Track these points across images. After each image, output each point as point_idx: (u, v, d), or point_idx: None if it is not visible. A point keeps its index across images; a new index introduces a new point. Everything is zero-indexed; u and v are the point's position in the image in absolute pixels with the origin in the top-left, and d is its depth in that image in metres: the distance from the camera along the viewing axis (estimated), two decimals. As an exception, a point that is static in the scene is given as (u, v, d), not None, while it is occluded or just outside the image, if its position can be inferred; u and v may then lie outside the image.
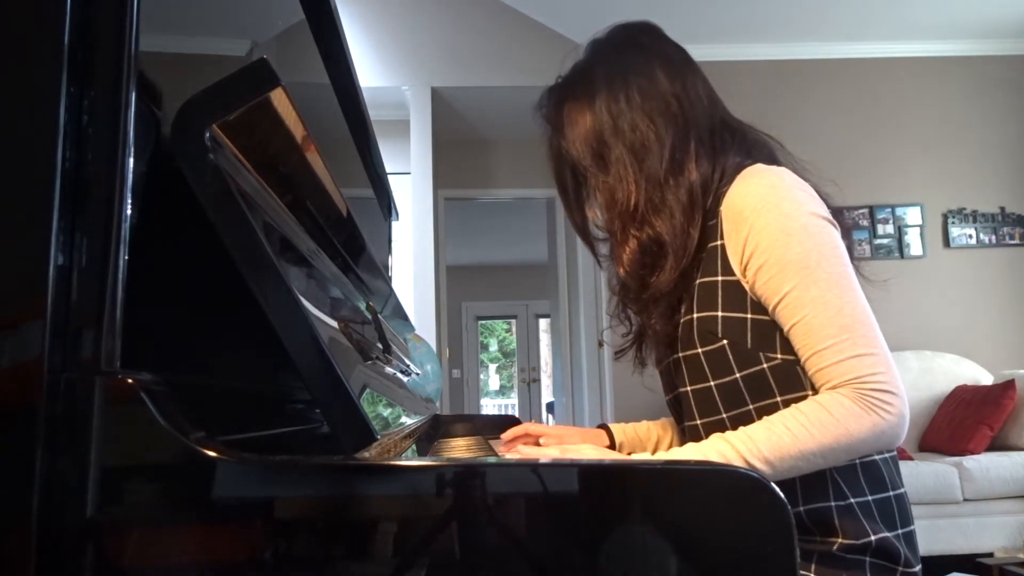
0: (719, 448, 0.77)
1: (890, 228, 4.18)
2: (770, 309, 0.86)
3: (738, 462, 0.75)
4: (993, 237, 4.18)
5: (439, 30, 4.19)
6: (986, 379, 3.66)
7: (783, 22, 4.09)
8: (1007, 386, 3.30)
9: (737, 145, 0.96)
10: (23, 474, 0.45)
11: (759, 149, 0.97)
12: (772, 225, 0.84)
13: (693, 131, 0.94)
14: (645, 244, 0.91)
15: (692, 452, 0.79)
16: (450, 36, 4.20)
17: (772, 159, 0.95)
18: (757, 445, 0.76)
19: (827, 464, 0.80)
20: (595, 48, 1.00)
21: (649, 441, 1.18)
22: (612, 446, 1.17)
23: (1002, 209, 4.20)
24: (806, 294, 0.82)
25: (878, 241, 4.15)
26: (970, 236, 4.18)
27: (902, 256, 4.14)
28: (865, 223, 4.15)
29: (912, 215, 4.19)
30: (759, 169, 0.89)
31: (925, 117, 4.26)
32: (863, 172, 4.11)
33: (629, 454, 1.18)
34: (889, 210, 4.18)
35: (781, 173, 0.89)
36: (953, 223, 4.18)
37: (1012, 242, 4.18)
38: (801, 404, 0.80)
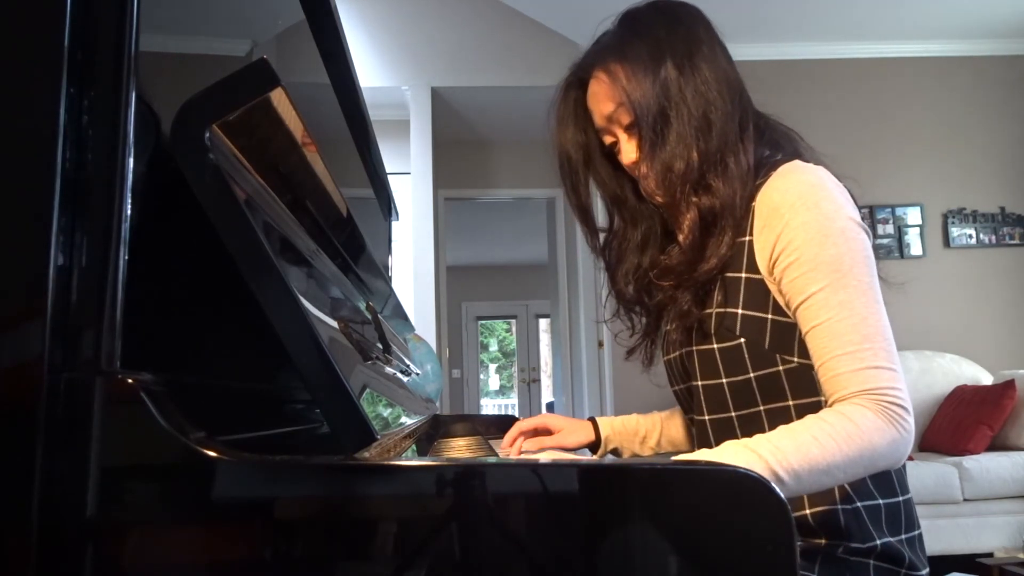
0: (747, 459, 0.71)
1: (890, 228, 4.18)
2: (792, 308, 0.83)
3: (766, 474, 0.69)
4: (993, 237, 4.18)
5: (439, 30, 4.18)
6: (986, 379, 3.66)
7: (782, 22, 4.09)
8: (1007, 386, 3.30)
9: (767, 136, 0.95)
10: (23, 474, 0.45)
11: (785, 142, 0.95)
12: (810, 223, 0.82)
13: (749, 110, 0.93)
14: (705, 213, 0.88)
15: (712, 459, 0.72)
16: (450, 36, 4.20)
17: (796, 153, 0.93)
18: (787, 456, 0.71)
19: (846, 479, 0.76)
20: (645, 15, 0.94)
21: (636, 435, 1.17)
22: (597, 439, 1.16)
23: (1002, 209, 4.20)
24: (834, 297, 0.79)
25: (878, 241, 4.14)
26: (970, 236, 4.18)
27: (902, 256, 4.14)
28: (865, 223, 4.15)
29: (912, 215, 4.19)
30: (798, 166, 0.88)
31: (925, 117, 4.26)
32: (863, 172, 4.08)
33: (615, 449, 1.18)
34: (889, 210, 4.18)
35: (820, 172, 0.87)
36: (953, 223, 4.18)
37: (1012, 242, 4.18)
38: (823, 414, 0.77)
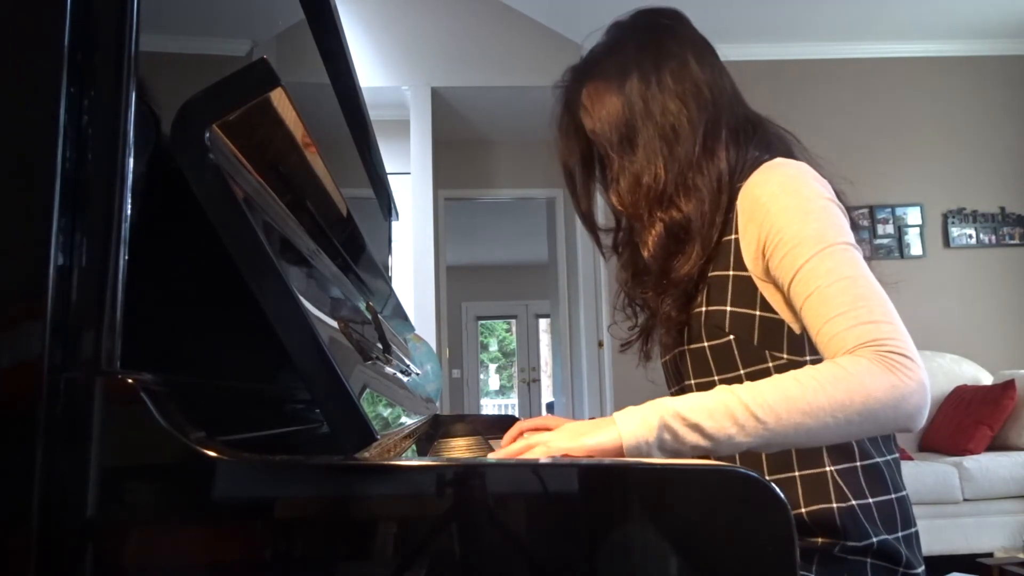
0: (724, 400, 0.71)
1: (890, 228, 4.18)
2: (785, 288, 0.84)
3: (741, 412, 0.70)
4: (993, 237, 4.18)
5: (439, 30, 4.18)
6: (986, 379, 3.65)
7: (782, 22, 4.09)
8: (1007, 386, 3.30)
9: (758, 139, 0.96)
10: (23, 474, 0.45)
11: (778, 144, 0.96)
12: (791, 206, 0.83)
13: (724, 118, 0.93)
14: (672, 227, 0.90)
15: (695, 401, 0.72)
16: (450, 36, 4.19)
17: (789, 154, 0.94)
18: (762, 393, 0.71)
19: (838, 426, 0.71)
20: (622, 30, 0.98)
21: None
22: None
23: (1002, 209, 4.20)
24: (822, 265, 0.80)
25: (878, 241, 4.15)
26: (970, 236, 4.18)
27: (902, 256, 4.14)
28: (865, 223, 4.15)
29: (912, 215, 4.19)
30: (779, 161, 0.89)
31: (925, 117, 4.26)
32: (863, 172, 4.10)
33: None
34: (889, 210, 4.18)
35: (800, 165, 0.89)
36: (953, 223, 4.17)
37: (1012, 242, 4.18)
38: (817, 365, 0.75)
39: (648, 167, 0.90)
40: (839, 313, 0.77)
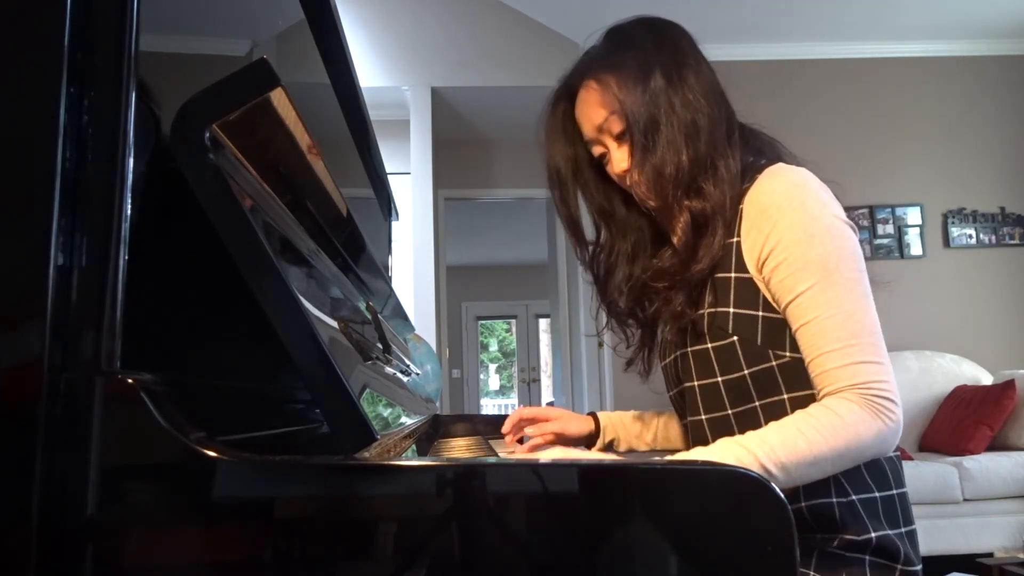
0: (736, 453, 0.75)
1: (890, 228, 4.18)
2: (782, 307, 0.86)
3: (756, 468, 0.73)
4: (993, 237, 4.18)
5: (439, 30, 4.18)
6: (986, 379, 3.65)
7: (782, 22, 4.09)
8: (1007, 386, 3.30)
9: (752, 143, 0.97)
10: (23, 474, 0.45)
11: (769, 149, 0.98)
12: (796, 224, 0.84)
13: (733, 118, 0.96)
14: (696, 214, 0.91)
15: (705, 456, 0.76)
16: (450, 36, 4.19)
17: (780, 158, 0.96)
18: (775, 450, 0.75)
19: (834, 470, 0.80)
20: (629, 33, 0.98)
21: (634, 428, 1.20)
22: (597, 431, 1.19)
23: (1002, 209, 4.20)
24: (822, 295, 0.82)
25: (878, 241, 4.15)
26: (970, 236, 4.18)
27: (902, 256, 4.14)
28: (865, 223, 4.15)
29: (912, 215, 4.19)
30: (784, 168, 0.90)
31: (925, 117, 4.25)
32: (863, 172, 4.10)
33: (612, 440, 1.20)
34: (889, 210, 4.18)
35: (805, 173, 0.89)
36: (953, 223, 4.17)
37: (1012, 242, 4.18)
38: (810, 409, 0.80)
39: (671, 158, 0.90)
40: (833, 349, 0.81)
